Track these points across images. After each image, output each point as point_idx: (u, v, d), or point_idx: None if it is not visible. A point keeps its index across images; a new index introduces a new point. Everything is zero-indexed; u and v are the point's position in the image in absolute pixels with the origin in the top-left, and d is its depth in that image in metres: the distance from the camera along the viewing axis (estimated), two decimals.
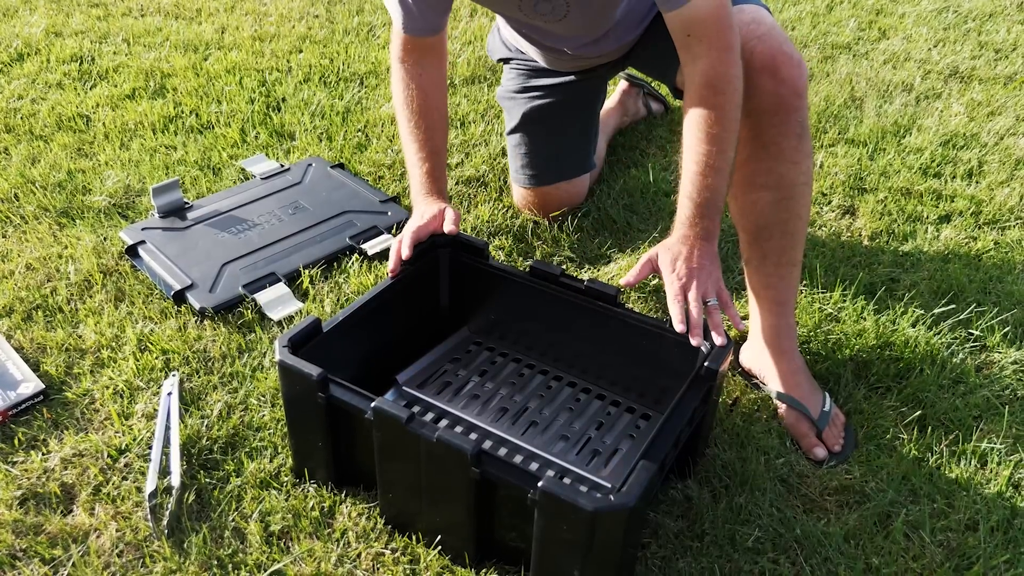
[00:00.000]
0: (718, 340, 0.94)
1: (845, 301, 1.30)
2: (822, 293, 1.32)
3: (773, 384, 1.13)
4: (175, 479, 0.97)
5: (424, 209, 1.15)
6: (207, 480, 1.00)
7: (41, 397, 1.09)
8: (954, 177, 1.66)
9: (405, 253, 1.07)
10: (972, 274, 1.39)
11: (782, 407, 1.11)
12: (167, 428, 1.05)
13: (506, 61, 1.48)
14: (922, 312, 1.28)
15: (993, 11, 2.46)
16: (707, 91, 1.00)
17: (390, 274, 1.07)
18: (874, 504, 0.99)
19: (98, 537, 0.93)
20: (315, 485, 0.99)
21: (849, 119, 1.86)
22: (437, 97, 1.22)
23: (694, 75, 1.02)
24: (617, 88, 1.82)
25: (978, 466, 1.05)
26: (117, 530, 0.93)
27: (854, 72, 2.07)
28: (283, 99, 1.87)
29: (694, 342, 0.94)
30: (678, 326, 0.93)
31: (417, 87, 1.20)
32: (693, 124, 1.00)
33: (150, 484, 0.96)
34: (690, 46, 1.02)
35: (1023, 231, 1.51)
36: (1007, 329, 1.26)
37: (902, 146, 1.76)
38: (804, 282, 1.33)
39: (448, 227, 1.10)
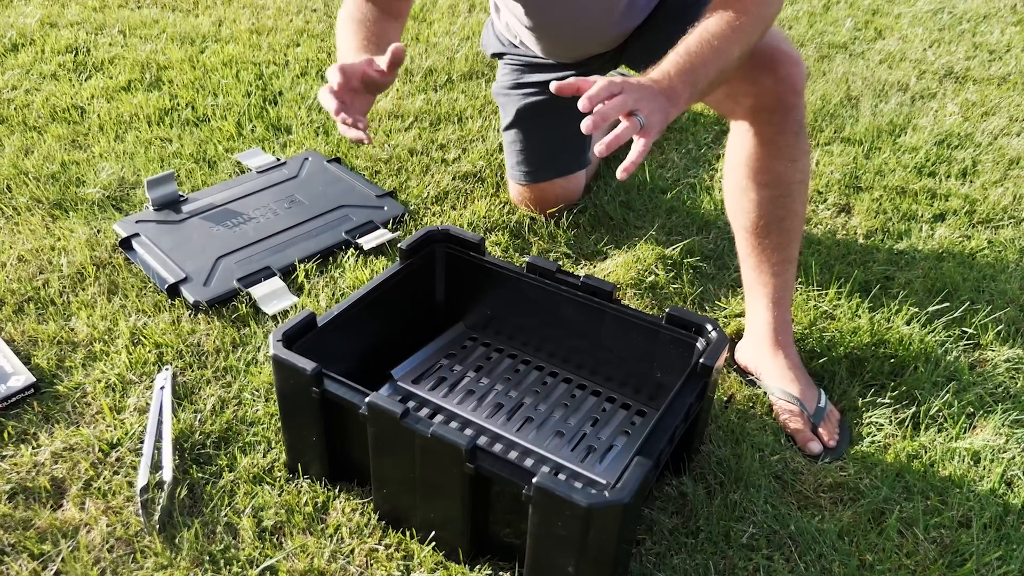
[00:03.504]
0: (597, 150, 0.80)
1: (840, 299, 1.30)
2: (817, 291, 1.32)
3: (769, 380, 1.13)
4: (167, 474, 0.97)
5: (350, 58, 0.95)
6: (199, 475, 0.99)
7: (32, 390, 1.08)
8: (948, 176, 1.67)
9: (334, 80, 0.90)
10: (966, 272, 1.39)
11: (777, 402, 1.11)
12: (159, 422, 1.04)
13: (499, 56, 1.48)
14: (916, 310, 1.28)
15: (988, 13, 2.47)
16: None
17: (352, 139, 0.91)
18: (868, 501, 1.00)
19: (88, 532, 0.92)
20: (309, 480, 0.99)
21: (845, 118, 1.86)
22: (392, 34, 1.08)
23: None
24: None
25: (971, 463, 1.05)
26: (108, 525, 0.93)
27: (850, 71, 2.07)
28: (280, 93, 1.86)
29: (584, 126, 0.79)
30: (583, 101, 0.80)
31: (375, 13, 1.07)
32: (718, 10, 0.91)
33: (142, 479, 0.96)
34: None
35: (1016, 230, 1.52)
36: (1000, 327, 1.27)
37: (897, 145, 1.76)
38: (799, 280, 1.33)
39: (387, 58, 0.89)
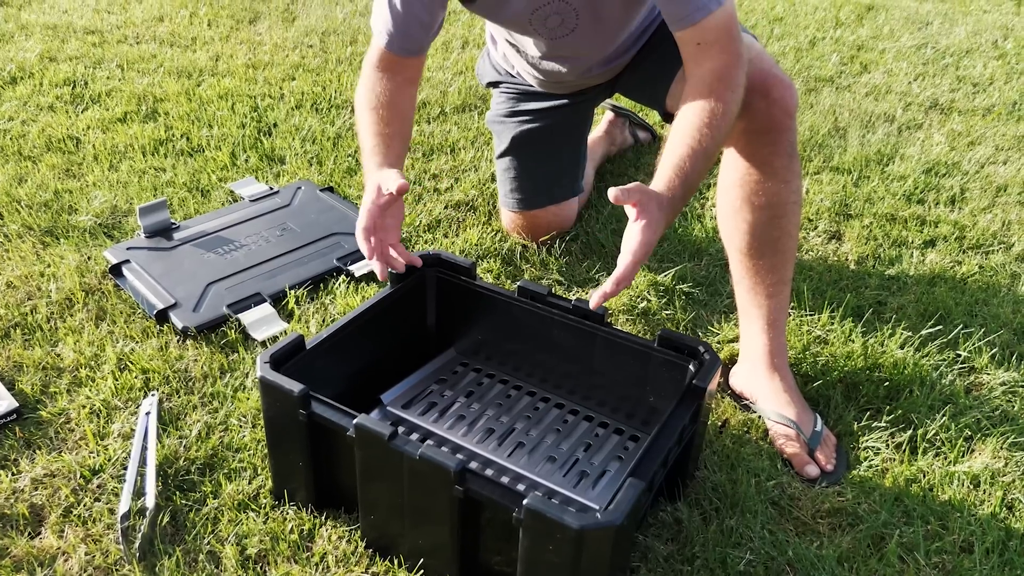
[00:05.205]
0: (592, 303, 0.91)
1: (833, 323, 1.30)
2: (810, 315, 1.32)
3: (764, 403, 1.12)
4: (149, 500, 0.94)
5: (368, 188, 1.05)
6: (183, 502, 0.97)
7: (14, 416, 1.06)
8: (937, 204, 1.68)
9: (368, 255, 1.02)
10: (958, 297, 1.39)
11: (774, 426, 1.10)
12: (144, 448, 1.02)
13: (495, 85, 1.50)
14: (910, 334, 1.28)
15: (970, 48, 2.53)
16: (718, 85, 0.98)
17: (381, 278, 1.04)
18: (867, 526, 0.98)
19: (66, 561, 0.90)
20: (295, 507, 0.97)
21: (833, 148, 1.88)
22: (406, 103, 1.18)
23: (703, 74, 1.00)
24: (603, 119, 1.84)
25: (971, 487, 1.04)
26: (86, 553, 0.90)
27: (837, 104, 2.11)
28: (274, 124, 1.87)
29: (594, 303, 0.91)
30: (610, 284, 0.89)
31: (387, 88, 1.16)
32: (696, 109, 0.97)
33: (123, 506, 0.93)
34: (698, 54, 1.01)
35: (1007, 255, 1.53)
36: (995, 350, 1.26)
37: (886, 174, 1.78)
38: (792, 305, 1.33)
39: (391, 187, 0.99)
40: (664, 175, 0.94)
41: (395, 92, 1.16)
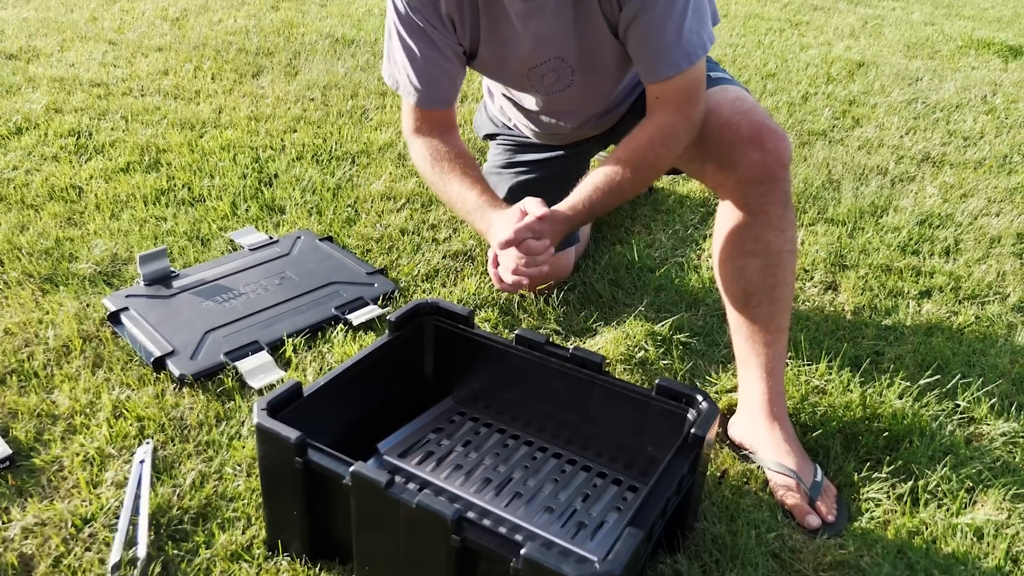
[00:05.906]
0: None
1: (831, 373, 1.30)
2: (808, 365, 1.32)
3: (764, 453, 1.11)
4: (141, 550, 0.93)
5: (509, 214, 1.17)
6: (175, 552, 0.95)
7: (7, 463, 1.05)
8: (932, 255, 1.70)
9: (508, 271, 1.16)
10: (955, 347, 1.39)
11: (774, 476, 1.09)
12: (136, 497, 1.00)
13: (492, 137, 1.53)
14: (908, 384, 1.28)
15: (959, 103, 2.60)
16: (658, 139, 1.10)
17: (507, 287, 1.19)
18: None
19: None
20: (288, 558, 0.95)
21: (827, 200, 1.91)
22: (463, 146, 1.28)
23: (650, 124, 1.12)
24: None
25: (974, 539, 1.02)
26: None
27: (830, 157, 2.15)
28: (275, 175, 1.90)
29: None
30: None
31: (441, 142, 1.25)
32: (632, 149, 1.11)
33: (114, 555, 0.92)
34: (654, 105, 1.12)
35: (1003, 306, 1.54)
36: (994, 401, 1.26)
37: (880, 225, 1.81)
38: (789, 354, 1.33)
39: (537, 210, 1.12)
40: (574, 197, 1.15)
41: (451, 142, 1.26)
